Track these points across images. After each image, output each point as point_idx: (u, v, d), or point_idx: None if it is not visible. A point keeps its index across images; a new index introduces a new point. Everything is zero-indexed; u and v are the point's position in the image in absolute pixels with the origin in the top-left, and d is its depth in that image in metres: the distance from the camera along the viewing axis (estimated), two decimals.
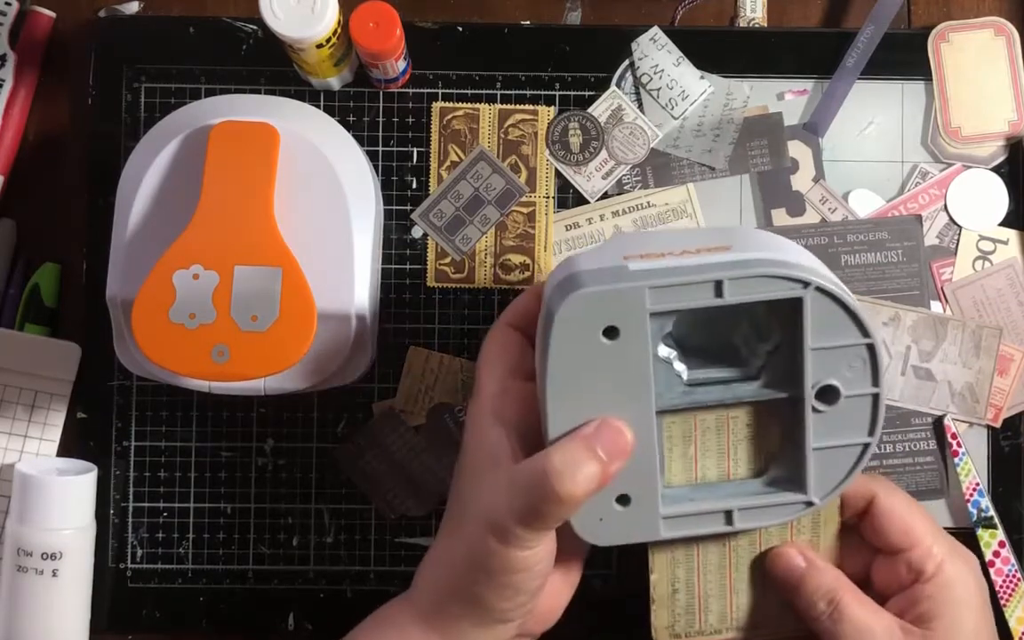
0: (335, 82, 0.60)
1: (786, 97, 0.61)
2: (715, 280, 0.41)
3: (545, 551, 0.43)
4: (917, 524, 0.46)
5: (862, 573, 0.48)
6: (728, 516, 0.44)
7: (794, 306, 0.42)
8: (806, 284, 0.41)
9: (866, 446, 0.44)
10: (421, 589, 0.47)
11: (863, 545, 0.48)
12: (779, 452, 0.45)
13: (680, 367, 0.44)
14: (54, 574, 0.56)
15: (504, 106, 0.61)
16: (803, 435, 0.43)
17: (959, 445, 0.59)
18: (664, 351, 0.44)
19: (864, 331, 0.42)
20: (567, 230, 0.61)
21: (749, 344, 0.45)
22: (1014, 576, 0.59)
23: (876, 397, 0.43)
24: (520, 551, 0.42)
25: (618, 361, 0.42)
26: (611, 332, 0.41)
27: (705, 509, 0.44)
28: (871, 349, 0.42)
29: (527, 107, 0.61)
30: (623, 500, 0.43)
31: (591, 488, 0.41)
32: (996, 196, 0.61)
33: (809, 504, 0.44)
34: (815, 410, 0.43)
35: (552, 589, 0.47)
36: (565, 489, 0.41)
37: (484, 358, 0.49)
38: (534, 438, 0.44)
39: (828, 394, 0.43)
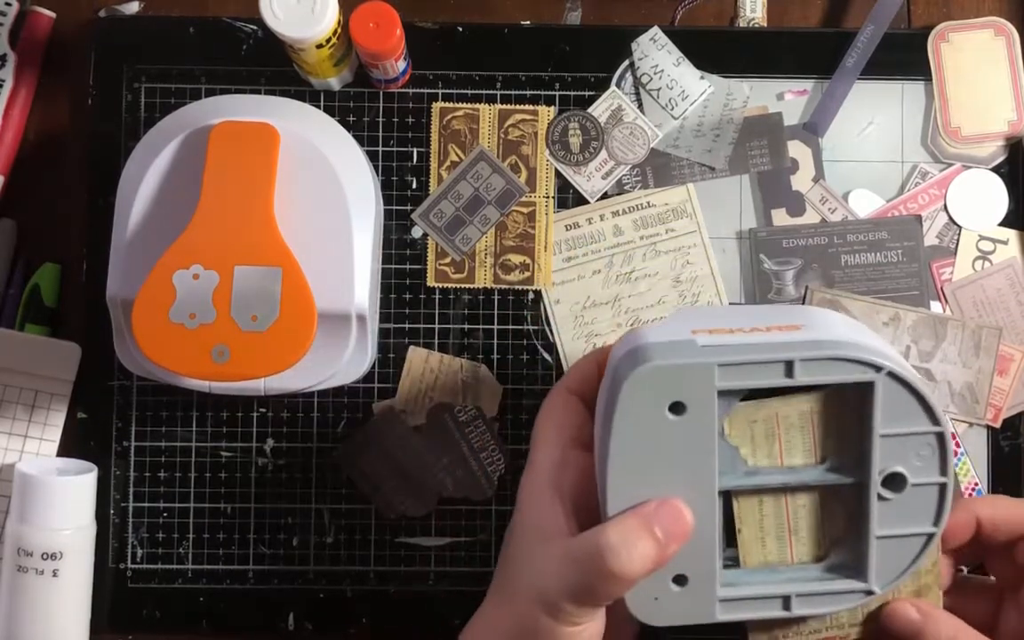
0: (335, 82, 0.60)
1: (786, 97, 0.62)
2: (786, 360, 0.40)
3: (594, 629, 0.42)
4: None
5: (1014, 586, 0.47)
6: (786, 601, 0.43)
7: (863, 390, 0.41)
8: (878, 368, 0.40)
9: (931, 536, 0.43)
10: None
11: (1014, 565, 0.47)
12: (841, 538, 0.44)
13: (745, 449, 0.43)
14: (54, 574, 0.56)
15: (504, 106, 0.61)
16: (867, 522, 0.42)
17: (958, 445, 0.59)
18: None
19: (935, 419, 0.41)
20: (567, 230, 0.61)
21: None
22: None
23: (943, 487, 0.42)
24: (569, 627, 0.41)
25: (683, 438, 0.41)
26: (678, 408, 0.41)
27: (763, 593, 0.43)
28: (940, 438, 0.42)
29: (527, 107, 0.61)
30: (680, 580, 0.42)
31: (647, 568, 0.40)
32: (996, 196, 0.61)
33: (869, 592, 0.43)
34: (881, 498, 0.42)
35: None
36: (620, 567, 0.40)
37: (542, 424, 0.47)
38: (591, 512, 0.43)
39: (895, 481, 0.42)
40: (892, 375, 0.41)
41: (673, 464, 0.41)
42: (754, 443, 0.43)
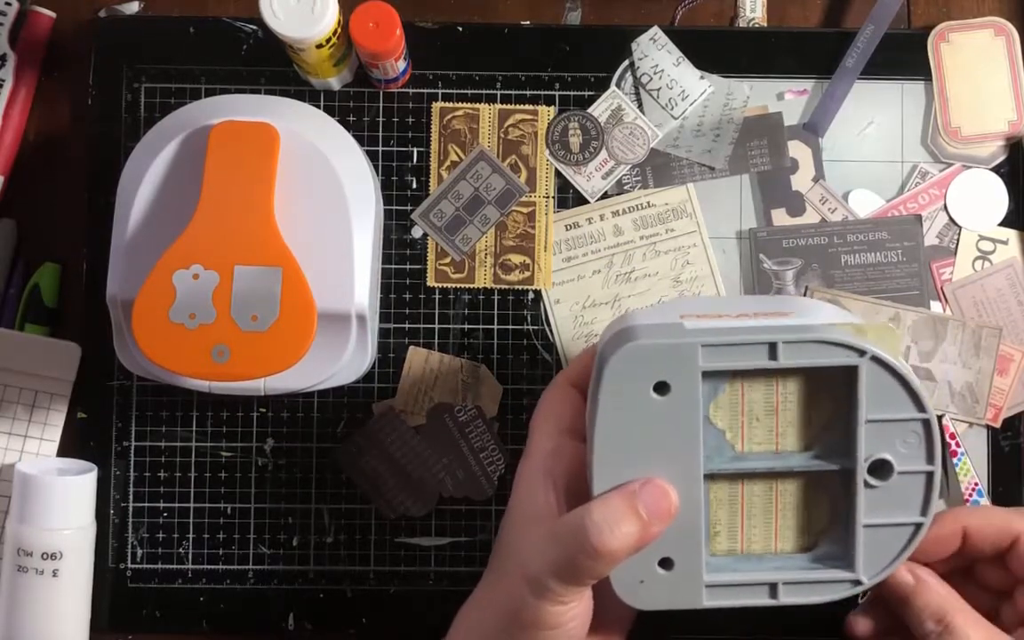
0: (335, 82, 0.60)
1: (786, 97, 0.62)
2: (769, 342, 0.41)
3: (579, 611, 0.42)
4: None
5: (1008, 592, 0.47)
6: (773, 589, 0.43)
7: (850, 376, 0.41)
8: (862, 353, 0.41)
9: (918, 526, 0.43)
10: (456, 638, 0.47)
11: (1006, 573, 0.46)
12: (828, 529, 0.44)
13: (732, 435, 0.43)
14: (54, 574, 0.56)
15: (504, 106, 0.61)
16: (854, 510, 0.42)
17: (958, 445, 0.59)
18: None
19: (920, 405, 0.41)
20: (567, 230, 0.61)
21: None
22: None
23: (930, 475, 0.42)
24: (552, 605, 0.41)
25: (668, 418, 0.41)
26: (662, 387, 0.41)
27: (750, 580, 0.43)
28: (926, 425, 0.42)
29: (527, 107, 0.61)
30: (666, 564, 0.43)
31: (630, 546, 0.40)
32: (996, 196, 0.61)
33: (857, 583, 0.43)
34: (867, 485, 0.42)
35: None
36: (603, 543, 0.40)
37: (539, 414, 0.48)
38: (582, 499, 0.43)
39: (881, 469, 0.42)
40: (876, 360, 0.41)
41: (659, 445, 0.41)
42: (740, 428, 0.43)
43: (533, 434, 0.48)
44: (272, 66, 0.61)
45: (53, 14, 0.62)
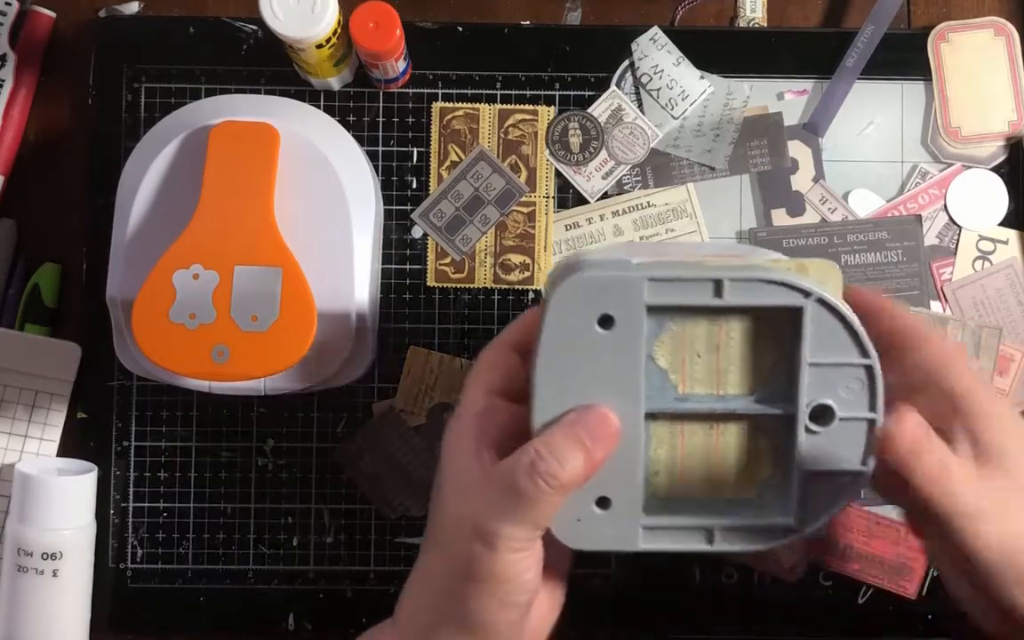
0: (335, 82, 0.60)
1: (786, 97, 0.62)
2: (715, 279, 0.41)
3: (533, 559, 0.42)
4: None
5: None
6: (709, 534, 0.43)
7: (795, 319, 0.41)
8: (808, 294, 0.41)
9: (857, 475, 0.42)
10: (404, 614, 0.46)
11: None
12: (770, 478, 0.44)
13: (675, 376, 0.43)
14: (54, 574, 0.56)
15: (504, 106, 0.61)
16: (793, 456, 0.42)
17: None
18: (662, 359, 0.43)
19: (864, 351, 0.41)
20: (567, 230, 0.61)
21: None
22: None
23: (872, 423, 0.42)
24: (508, 554, 0.40)
25: (611, 353, 0.41)
26: (606, 321, 0.41)
27: (686, 524, 0.43)
28: (870, 371, 0.41)
29: (527, 107, 0.61)
30: (603, 503, 0.42)
31: (578, 475, 0.40)
32: (996, 196, 0.61)
33: (794, 531, 0.43)
34: (808, 431, 0.42)
35: (539, 612, 0.45)
36: (552, 476, 0.39)
37: (473, 375, 0.47)
38: None
39: (823, 415, 0.42)
40: (822, 302, 0.41)
41: (601, 380, 0.41)
42: (682, 368, 0.43)
43: (465, 395, 0.46)
44: (272, 66, 0.61)
45: (53, 14, 0.62)
